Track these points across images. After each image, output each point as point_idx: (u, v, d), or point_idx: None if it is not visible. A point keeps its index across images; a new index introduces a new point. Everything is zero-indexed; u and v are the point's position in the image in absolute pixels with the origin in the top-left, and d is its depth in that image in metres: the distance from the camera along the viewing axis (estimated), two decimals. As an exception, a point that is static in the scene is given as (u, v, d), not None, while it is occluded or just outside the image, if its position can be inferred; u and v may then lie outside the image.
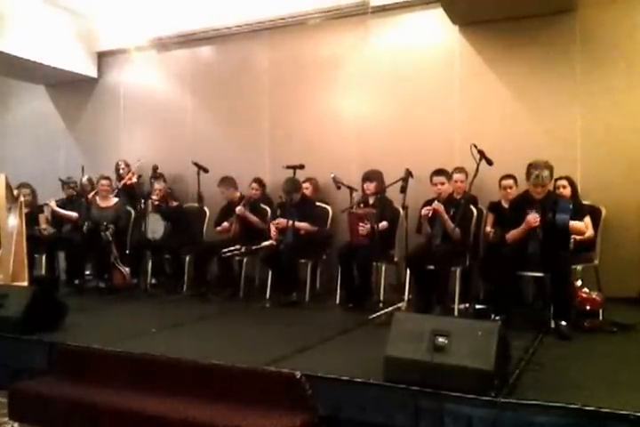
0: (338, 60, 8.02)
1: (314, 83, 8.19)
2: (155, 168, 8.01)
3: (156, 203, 7.79)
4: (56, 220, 8.13)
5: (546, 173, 5.18)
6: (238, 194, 7.58)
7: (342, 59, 8.00)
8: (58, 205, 8.03)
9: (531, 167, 5.25)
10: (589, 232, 5.87)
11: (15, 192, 6.81)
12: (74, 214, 7.97)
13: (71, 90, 10.07)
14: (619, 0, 6.67)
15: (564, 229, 5.15)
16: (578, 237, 5.59)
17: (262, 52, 8.54)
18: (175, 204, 8.05)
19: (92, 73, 9.78)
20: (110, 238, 7.25)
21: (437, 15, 7.21)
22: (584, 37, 6.74)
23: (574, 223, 5.19)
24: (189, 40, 8.97)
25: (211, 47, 8.98)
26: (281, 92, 8.39)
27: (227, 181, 7.56)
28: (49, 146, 10.22)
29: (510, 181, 6.32)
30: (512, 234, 5.38)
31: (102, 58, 9.83)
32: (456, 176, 6.50)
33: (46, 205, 7.95)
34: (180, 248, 7.47)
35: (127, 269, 7.31)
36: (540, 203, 5.25)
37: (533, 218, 5.16)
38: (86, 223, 7.48)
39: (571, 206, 5.22)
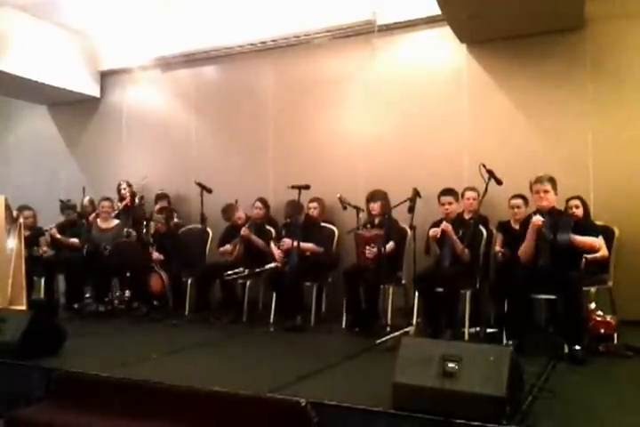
0: (343, 80, 7.99)
1: (319, 102, 8.15)
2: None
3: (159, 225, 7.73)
4: (55, 244, 8.00)
5: (546, 178, 5.21)
6: (243, 215, 7.46)
7: (348, 78, 7.97)
8: (58, 229, 7.91)
9: (532, 181, 5.31)
10: (603, 251, 5.76)
11: (15, 213, 6.75)
12: (75, 241, 7.85)
13: (73, 110, 10.08)
14: (628, 16, 6.64)
15: (567, 247, 5.08)
16: (589, 256, 5.46)
17: (267, 71, 8.53)
18: (175, 220, 8.06)
19: (95, 93, 9.77)
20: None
21: (445, 33, 7.17)
22: (594, 54, 6.72)
23: (583, 239, 5.09)
24: (194, 59, 8.96)
25: (215, 67, 8.97)
26: (286, 111, 8.36)
27: (229, 209, 7.44)
28: (50, 166, 10.18)
29: (519, 201, 6.21)
30: (522, 248, 5.30)
31: (105, 77, 9.84)
32: (468, 194, 6.48)
33: (47, 231, 7.83)
34: (179, 271, 7.37)
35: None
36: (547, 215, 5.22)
37: (537, 219, 5.11)
38: (86, 246, 7.46)
39: (572, 223, 5.17)
